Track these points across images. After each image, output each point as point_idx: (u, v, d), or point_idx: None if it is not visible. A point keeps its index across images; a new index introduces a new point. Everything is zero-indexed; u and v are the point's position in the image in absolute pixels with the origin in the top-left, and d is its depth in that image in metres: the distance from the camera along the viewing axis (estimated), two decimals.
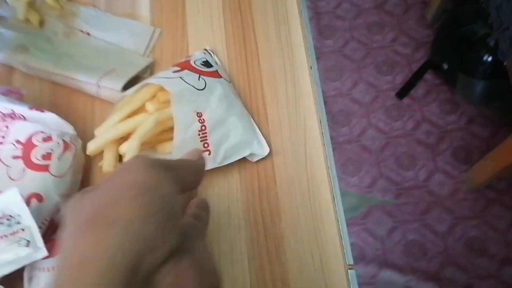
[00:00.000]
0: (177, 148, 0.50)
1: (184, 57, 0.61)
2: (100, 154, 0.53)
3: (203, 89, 0.53)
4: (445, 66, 1.53)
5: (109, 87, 0.56)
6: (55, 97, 0.60)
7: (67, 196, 0.49)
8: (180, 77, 0.53)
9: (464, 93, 1.48)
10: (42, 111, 0.50)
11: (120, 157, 0.53)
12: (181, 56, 0.62)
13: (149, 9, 0.66)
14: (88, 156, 0.53)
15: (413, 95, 1.56)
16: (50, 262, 0.43)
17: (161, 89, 0.52)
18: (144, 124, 0.50)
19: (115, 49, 0.62)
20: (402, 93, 1.57)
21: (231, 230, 0.52)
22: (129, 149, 0.50)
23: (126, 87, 0.56)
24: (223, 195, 0.54)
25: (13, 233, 0.42)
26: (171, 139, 0.52)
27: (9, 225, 0.42)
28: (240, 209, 0.53)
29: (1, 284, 0.43)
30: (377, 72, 1.61)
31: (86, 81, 0.57)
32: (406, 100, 1.56)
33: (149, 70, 0.61)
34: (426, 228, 1.39)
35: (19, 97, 0.51)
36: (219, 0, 0.65)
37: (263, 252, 0.51)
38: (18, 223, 0.43)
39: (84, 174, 0.54)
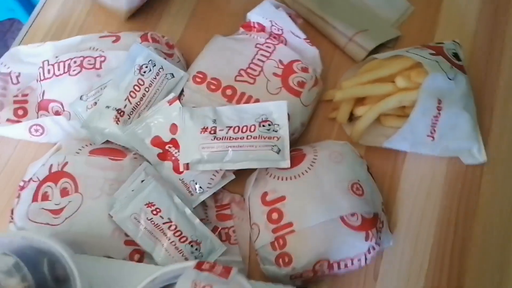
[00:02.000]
0: (409, 125, 0.53)
1: (428, 42, 0.63)
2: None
3: (452, 79, 0.55)
4: None
5: (360, 44, 0.60)
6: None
7: (302, 125, 0.54)
8: (437, 61, 0.55)
9: None
10: (312, 44, 0.55)
11: (351, 114, 0.57)
12: (425, 40, 0.63)
13: None
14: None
15: None
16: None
17: (417, 66, 0.54)
18: (388, 101, 0.54)
19: (369, 11, 0.65)
20: None
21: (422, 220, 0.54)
22: (365, 116, 0.54)
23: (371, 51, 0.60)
24: (424, 183, 0.56)
25: (270, 138, 0.48)
26: (400, 115, 0.55)
27: (268, 130, 0.48)
28: (437, 202, 0.55)
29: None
30: None
31: (342, 32, 0.61)
32: None
33: (393, 42, 0.63)
34: None
35: (296, 22, 0.56)
36: None
37: (447, 252, 0.53)
38: (276, 131, 0.48)
39: None
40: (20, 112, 0.56)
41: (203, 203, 0.53)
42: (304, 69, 0.55)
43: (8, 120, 0.55)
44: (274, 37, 0.56)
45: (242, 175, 0.52)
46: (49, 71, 0.53)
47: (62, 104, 0.53)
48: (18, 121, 0.55)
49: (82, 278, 0.39)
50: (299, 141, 0.56)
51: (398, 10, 0.65)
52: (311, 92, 0.54)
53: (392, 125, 0.56)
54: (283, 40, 0.56)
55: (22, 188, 0.49)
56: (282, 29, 0.55)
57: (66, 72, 0.52)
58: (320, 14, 0.62)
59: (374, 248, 0.47)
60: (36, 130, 0.53)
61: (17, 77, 0.57)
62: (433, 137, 0.54)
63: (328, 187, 0.48)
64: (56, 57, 0.53)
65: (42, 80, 0.53)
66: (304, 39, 0.55)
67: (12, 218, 0.48)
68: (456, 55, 0.59)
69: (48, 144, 0.54)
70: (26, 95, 0.56)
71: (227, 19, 0.63)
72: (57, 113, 0.53)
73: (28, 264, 0.39)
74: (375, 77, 0.55)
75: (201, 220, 0.51)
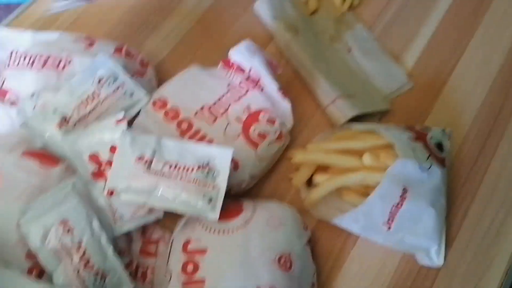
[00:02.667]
0: (364, 207, 0.48)
1: (417, 123, 0.59)
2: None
3: (425, 170, 0.50)
4: None
5: (341, 109, 0.57)
6: (288, 85, 0.61)
7: (252, 177, 0.51)
8: (413, 148, 0.51)
9: None
10: (284, 96, 0.52)
11: (310, 179, 0.53)
12: (415, 121, 0.59)
13: (415, 60, 0.64)
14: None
15: None
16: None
17: (390, 146, 0.50)
18: (350, 176, 0.50)
19: (363, 77, 0.62)
20: None
21: None
22: (322, 186, 0.50)
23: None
24: (370, 273, 0.51)
25: (205, 184, 0.45)
26: (362, 194, 0.51)
27: (206, 176, 0.45)
28: None
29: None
30: None
31: (326, 92, 0.58)
32: None
33: (381, 114, 0.60)
34: None
35: (274, 71, 0.53)
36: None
37: None
38: (213, 179, 0.45)
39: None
40: None
41: (129, 235, 0.49)
42: (270, 121, 0.51)
43: None
44: (252, 81, 0.54)
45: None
46: (14, 61, 0.52)
47: (18, 97, 0.51)
48: None
49: None
50: (250, 192, 0.53)
51: (395, 83, 0.62)
52: (271, 147, 0.51)
53: (351, 201, 0.52)
54: (260, 86, 0.54)
55: None
56: (259, 75, 0.53)
57: (30, 65, 0.51)
58: (310, 69, 0.59)
59: None
60: None
61: None
62: (389, 227, 0.50)
63: (254, 253, 0.44)
64: (26, 48, 0.52)
65: (7, 68, 0.52)
66: (278, 89, 0.52)
67: None
68: (439, 146, 0.55)
69: None
70: None
71: (215, 52, 0.60)
72: (12, 104, 0.52)
73: None
74: (344, 148, 0.52)
75: (121, 251, 0.47)
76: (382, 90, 0.61)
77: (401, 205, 0.49)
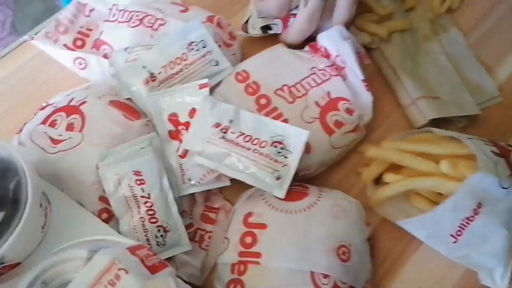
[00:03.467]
0: (434, 214, 0.46)
1: (500, 140, 0.56)
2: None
3: (505, 188, 0.48)
4: None
5: (421, 110, 0.55)
6: (369, 80, 0.59)
7: (322, 164, 0.50)
8: (495, 163, 0.48)
9: None
10: (368, 88, 0.51)
11: (379, 177, 0.52)
12: (498, 137, 0.56)
13: (508, 75, 0.61)
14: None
15: None
16: None
17: (470, 157, 0.48)
18: (424, 180, 0.48)
19: (452, 81, 0.58)
20: None
21: None
22: (392, 186, 0.49)
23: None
24: (428, 282, 0.49)
25: (277, 161, 0.45)
26: (433, 201, 0.49)
27: (278, 152, 0.45)
28: None
29: None
30: None
31: (408, 91, 0.56)
32: None
33: (466, 122, 0.56)
34: None
35: (361, 61, 0.52)
36: None
37: None
38: (285, 157, 0.45)
39: None
40: (79, 43, 0.58)
41: (193, 198, 0.51)
42: (349, 111, 0.51)
43: (64, 45, 0.57)
44: (336, 68, 0.53)
45: (243, 186, 0.50)
46: (114, 15, 0.55)
47: (112, 49, 0.54)
48: (72, 50, 0.57)
49: (33, 200, 0.39)
50: (315, 180, 0.52)
51: (484, 95, 0.58)
52: (346, 136, 0.50)
53: (419, 206, 0.50)
54: (343, 75, 0.53)
55: (41, 108, 0.51)
56: (346, 63, 0.52)
57: (127, 21, 0.53)
58: (394, 66, 0.57)
59: None
60: (80, 63, 0.54)
61: (90, 11, 0.59)
62: (456, 240, 0.48)
63: (313, 238, 0.44)
64: (126, 5, 0.55)
65: (106, 21, 0.55)
66: (362, 80, 0.51)
67: (20, 131, 0.50)
68: None
69: (86, 80, 0.56)
70: (91, 30, 0.58)
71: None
72: (105, 56, 0.54)
73: None
74: (422, 151, 0.50)
75: (183, 212, 0.49)
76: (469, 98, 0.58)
77: (473, 220, 0.47)
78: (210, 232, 0.50)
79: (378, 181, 0.53)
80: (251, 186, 0.48)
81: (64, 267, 0.35)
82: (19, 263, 0.41)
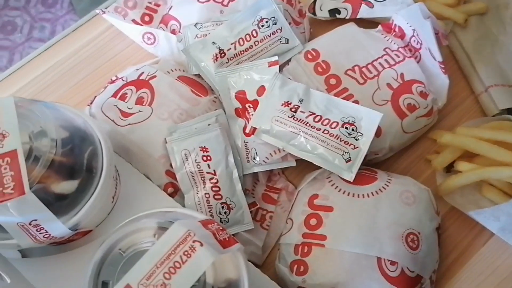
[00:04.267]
0: (509, 206, 0.44)
1: None
2: None
3: None
4: None
5: (494, 99, 0.52)
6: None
7: (391, 149, 0.49)
8: None
9: None
10: (445, 71, 0.48)
11: (450, 165, 0.49)
12: None
13: None
14: None
15: None
16: None
17: None
18: (500, 171, 0.45)
19: None
20: None
21: None
22: (465, 174, 0.47)
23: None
24: (497, 276, 0.47)
25: (347, 143, 0.44)
26: (506, 192, 0.47)
27: (349, 134, 0.44)
28: None
29: None
30: None
31: (481, 78, 0.53)
32: None
33: None
34: None
35: (439, 43, 0.49)
36: None
37: None
38: (356, 139, 0.44)
39: None
40: (146, 18, 0.58)
41: (256, 177, 0.50)
42: (423, 94, 0.48)
43: (133, 20, 0.57)
44: (410, 49, 0.51)
45: (305, 168, 0.49)
46: None
47: (180, 25, 0.54)
48: (140, 25, 0.57)
49: (109, 170, 0.40)
50: (383, 165, 0.51)
51: None
52: (418, 121, 0.48)
53: (492, 197, 0.48)
54: (417, 56, 0.50)
55: (111, 82, 0.52)
56: (421, 44, 0.50)
57: None
58: (468, 51, 0.54)
59: None
60: (149, 39, 0.55)
61: None
62: None
63: (381, 223, 0.43)
64: None
65: None
66: (440, 62, 0.48)
67: (91, 103, 0.51)
68: None
69: (154, 55, 0.56)
70: (158, 5, 0.58)
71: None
72: (173, 32, 0.54)
73: (74, 142, 0.40)
74: (498, 139, 0.47)
75: (246, 190, 0.49)
76: None
77: None
78: (272, 212, 0.50)
79: (448, 169, 0.50)
80: (316, 168, 0.47)
81: (138, 237, 0.35)
82: (90, 231, 0.43)
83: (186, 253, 0.31)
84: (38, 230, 0.36)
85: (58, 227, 0.37)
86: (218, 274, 0.34)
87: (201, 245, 0.32)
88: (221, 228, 0.36)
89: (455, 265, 0.48)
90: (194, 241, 0.32)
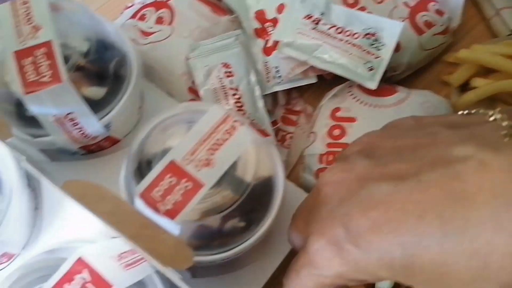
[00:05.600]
0: None
1: None
2: None
3: None
4: None
5: (505, 20, 0.53)
6: None
7: (408, 66, 0.49)
8: None
9: None
10: None
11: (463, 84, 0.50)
12: None
13: None
14: None
15: None
16: None
17: None
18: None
19: None
20: None
21: None
22: (481, 88, 0.47)
23: None
24: None
25: (369, 52, 0.45)
26: None
27: (371, 44, 0.45)
28: None
29: None
30: None
31: (492, 1, 0.54)
32: None
33: None
34: None
35: None
36: None
37: None
38: (378, 49, 0.45)
39: None
40: None
41: (275, 98, 0.51)
42: (439, 12, 0.49)
43: None
44: None
45: (324, 91, 0.49)
46: None
47: None
48: None
49: (137, 80, 0.40)
50: (399, 84, 0.52)
51: None
52: (435, 38, 0.49)
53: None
54: None
55: (127, 8, 0.52)
56: None
57: None
58: None
59: None
60: None
61: None
62: None
63: None
64: None
65: None
66: None
67: None
68: None
69: None
70: None
71: None
72: None
73: (99, 52, 0.40)
74: None
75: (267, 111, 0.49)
76: None
77: None
78: (291, 133, 0.51)
79: (463, 88, 0.52)
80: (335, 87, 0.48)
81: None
82: (118, 141, 0.43)
83: (227, 131, 0.32)
84: (74, 125, 0.36)
85: (92, 123, 0.37)
86: (254, 170, 0.34)
87: (241, 124, 0.32)
88: (253, 122, 0.37)
89: None
90: (234, 121, 0.32)
